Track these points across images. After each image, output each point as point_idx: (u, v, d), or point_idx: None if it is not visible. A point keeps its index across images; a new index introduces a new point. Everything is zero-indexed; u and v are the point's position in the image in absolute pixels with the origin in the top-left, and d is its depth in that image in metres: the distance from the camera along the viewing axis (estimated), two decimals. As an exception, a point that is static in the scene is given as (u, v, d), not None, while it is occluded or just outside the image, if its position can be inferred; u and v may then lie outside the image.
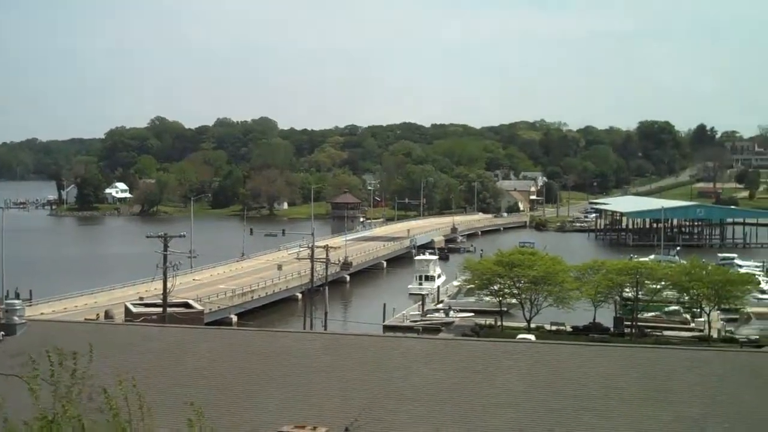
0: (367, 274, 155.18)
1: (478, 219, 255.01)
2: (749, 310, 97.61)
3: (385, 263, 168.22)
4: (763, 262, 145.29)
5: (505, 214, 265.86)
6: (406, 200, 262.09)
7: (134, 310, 78.54)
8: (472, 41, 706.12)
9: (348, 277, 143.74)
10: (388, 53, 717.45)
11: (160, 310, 73.06)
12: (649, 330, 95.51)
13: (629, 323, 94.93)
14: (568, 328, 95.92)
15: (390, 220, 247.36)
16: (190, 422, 18.26)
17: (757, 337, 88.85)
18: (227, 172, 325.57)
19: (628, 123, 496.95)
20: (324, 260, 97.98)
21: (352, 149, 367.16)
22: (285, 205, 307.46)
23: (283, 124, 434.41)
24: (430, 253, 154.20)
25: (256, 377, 37.09)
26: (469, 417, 34.22)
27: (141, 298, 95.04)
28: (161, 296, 74.22)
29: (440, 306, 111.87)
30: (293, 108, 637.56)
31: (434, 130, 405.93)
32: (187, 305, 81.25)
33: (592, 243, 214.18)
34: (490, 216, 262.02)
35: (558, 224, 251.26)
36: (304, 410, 33.96)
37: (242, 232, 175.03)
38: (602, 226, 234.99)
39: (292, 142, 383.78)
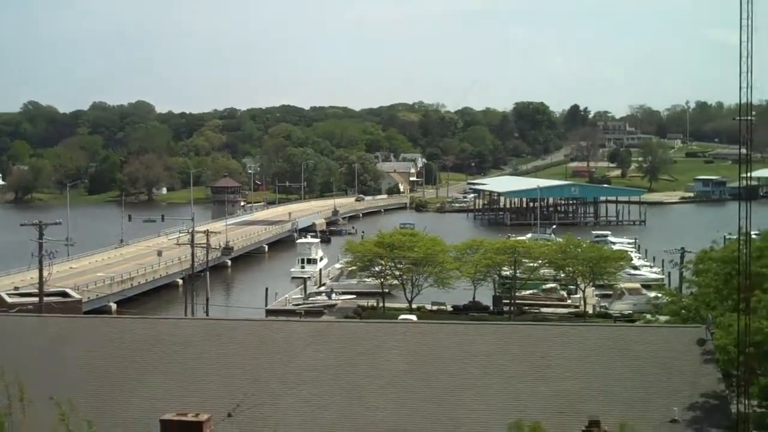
0: (248, 258, 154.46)
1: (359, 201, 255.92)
2: (622, 285, 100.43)
3: (266, 247, 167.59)
4: (635, 239, 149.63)
5: (365, 197, 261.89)
6: (287, 183, 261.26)
7: (9, 300, 76.51)
8: (350, 23, 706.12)
9: (229, 262, 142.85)
10: (265, 35, 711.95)
11: (36, 299, 71.42)
12: (527, 307, 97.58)
13: (508, 301, 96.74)
14: (449, 308, 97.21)
15: (271, 203, 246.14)
16: (61, 416, 18.12)
17: (630, 311, 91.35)
18: (103, 157, 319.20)
19: (504, 104, 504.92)
20: (204, 245, 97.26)
21: (232, 132, 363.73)
22: (164, 191, 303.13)
23: (161, 108, 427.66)
24: (312, 236, 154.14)
25: (137, 365, 36.81)
26: (352, 398, 34.63)
27: (16, 288, 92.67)
28: (37, 285, 72.63)
29: (322, 289, 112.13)
30: (171, 91, 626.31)
31: (314, 112, 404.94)
32: (64, 294, 79.45)
33: (471, 223, 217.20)
34: (352, 200, 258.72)
35: (438, 205, 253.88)
36: (186, 397, 33.88)
37: (120, 219, 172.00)
38: (481, 206, 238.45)
39: (170, 126, 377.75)
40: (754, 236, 48.81)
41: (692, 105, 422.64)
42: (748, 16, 33.04)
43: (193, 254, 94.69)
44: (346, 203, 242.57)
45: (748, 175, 36.27)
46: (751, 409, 33.25)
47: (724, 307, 41.93)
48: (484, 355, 36.82)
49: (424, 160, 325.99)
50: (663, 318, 52.53)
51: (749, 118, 34.79)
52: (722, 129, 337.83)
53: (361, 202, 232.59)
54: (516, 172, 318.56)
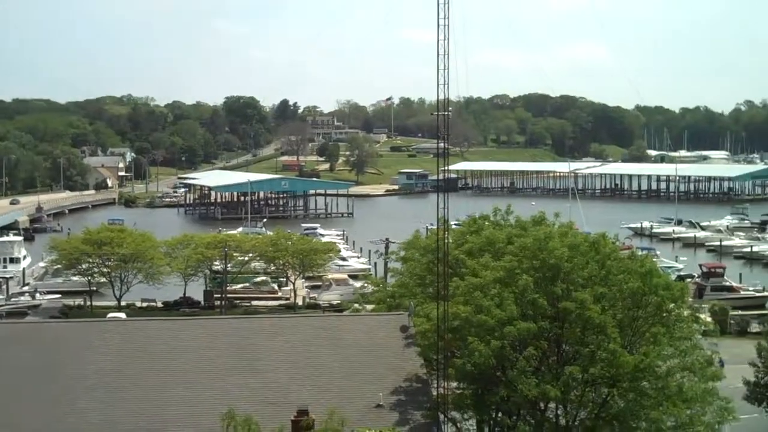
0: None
1: (65, 197, 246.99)
2: (330, 276, 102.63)
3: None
4: (344, 231, 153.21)
5: (20, 200, 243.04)
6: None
7: None
8: (53, 13, 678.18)
9: None
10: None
11: None
12: (238, 301, 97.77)
13: (219, 296, 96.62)
14: (159, 304, 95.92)
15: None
16: None
17: (339, 302, 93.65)
18: None
19: (215, 98, 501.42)
20: None
21: None
22: None
23: None
24: (14, 234, 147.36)
25: None
26: (58, 400, 33.69)
27: None
28: None
29: (26, 289, 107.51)
30: None
31: (16, 105, 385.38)
32: None
33: (182, 218, 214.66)
34: (57, 195, 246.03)
35: (148, 200, 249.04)
36: None
37: None
38: (192, 201, 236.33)
39: None
40: (453, 226, 51.44)
41: (396, 101, 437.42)
42: (444, 17, 34.87)
43: None
44: (50, 199, 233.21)
45: (446, 168, 38.19)
46: (450, 390, 35.06)
47: (425, 294, 43.81)
48: (194, 350, 36.85)
49: (133, 154, 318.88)
50: (370, 307, 54.22)
51: (446, 113, 36.66)
52: (424, 124, 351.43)
53: (16, 205, 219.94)
54: (227, 166, 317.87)
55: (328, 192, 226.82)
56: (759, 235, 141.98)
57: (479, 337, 34.62)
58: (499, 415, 37.04)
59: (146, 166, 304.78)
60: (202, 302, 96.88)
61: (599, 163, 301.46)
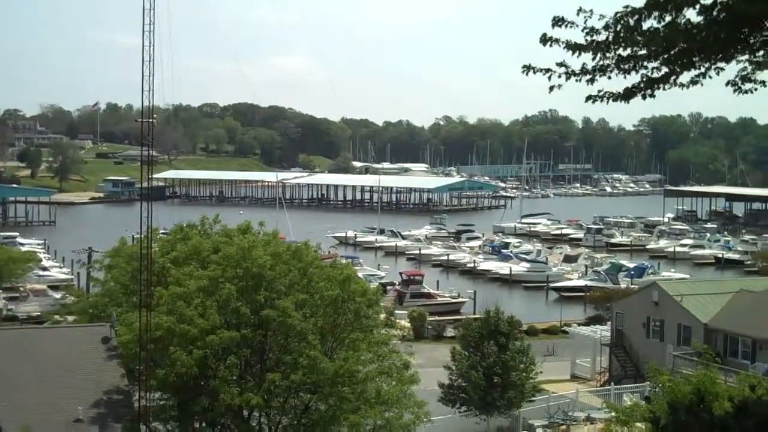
0: None
1: None
2: (28, 287, 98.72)
3: None
4: (45, 240, 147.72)
5: None
6: None
7: None
8: None
9: None
10: None
11: None
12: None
13: None
14: None
15: None
16: None
17: (39, 313, 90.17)
18: None
19: None
20: None
21: None
22: None
23: None
24: None
25: None
26: None
27: None
28: None
29: None
30: None
31: None
32: None
33: None
34: None
35: None
36: None
37: None
38: None
39: None
40: (161, 234, 50.90)
41: (103, 106, 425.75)
42: (150, 22, 34.53)
43: None
44: None
45: (151, 176, 37.78)
46: (152, 401, 34.70)
47: (129, 303, 43.04)
48: None
49: None
50: (72, 318, 52.67)
51: (151, 120, 36.29)
52: (131, 130, 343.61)
53: None
54: None
55: (29, 199, 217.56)
56: (455, 244, 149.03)
57: (182, 346, 34.49)
58: (203, 424, 37.03)
59: None
60: None
61: (306, 174, 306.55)
